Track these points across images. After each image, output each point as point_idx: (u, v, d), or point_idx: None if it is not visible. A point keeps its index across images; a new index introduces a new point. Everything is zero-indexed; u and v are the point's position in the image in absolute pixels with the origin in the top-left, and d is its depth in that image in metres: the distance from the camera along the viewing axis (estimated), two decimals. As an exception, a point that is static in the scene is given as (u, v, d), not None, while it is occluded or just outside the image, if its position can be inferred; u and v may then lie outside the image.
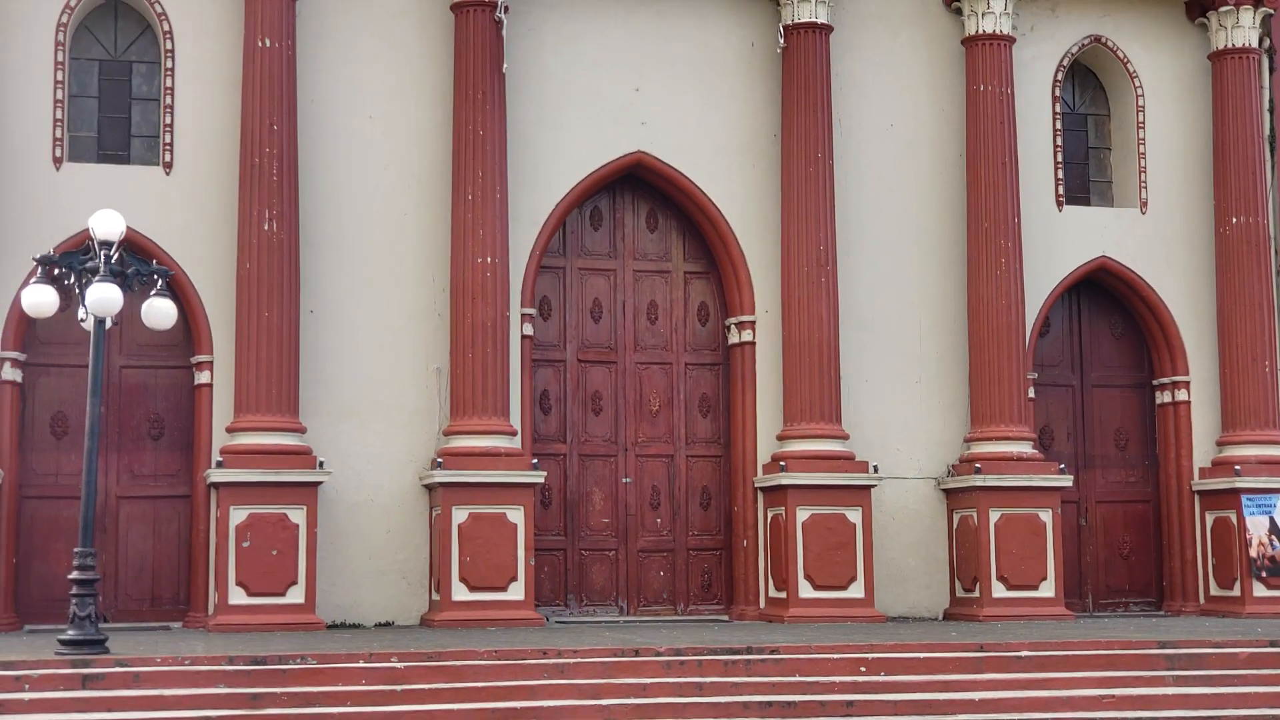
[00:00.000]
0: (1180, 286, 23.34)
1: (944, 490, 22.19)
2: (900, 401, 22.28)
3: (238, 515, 19.31)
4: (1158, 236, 23.35)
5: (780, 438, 21.55)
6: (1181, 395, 23.27)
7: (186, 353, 20.49)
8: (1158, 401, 23.58)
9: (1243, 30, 23.20)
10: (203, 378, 20.29)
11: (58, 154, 20.15)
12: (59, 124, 20.18)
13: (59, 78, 20.22)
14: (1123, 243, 23.21)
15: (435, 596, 20.17)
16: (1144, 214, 23.37)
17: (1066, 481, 21.90)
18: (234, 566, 19.19)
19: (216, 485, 19.51)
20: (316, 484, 19.66)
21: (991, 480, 21.47)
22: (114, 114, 20.80)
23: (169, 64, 20.52)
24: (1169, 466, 23.35)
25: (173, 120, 20.44)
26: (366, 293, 20.80)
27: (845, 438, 21.49)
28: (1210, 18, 23.36)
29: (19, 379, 19.94)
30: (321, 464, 19.83)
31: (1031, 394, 22.45)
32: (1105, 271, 23.21)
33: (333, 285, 20.69)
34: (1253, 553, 22.20)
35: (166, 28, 20.53)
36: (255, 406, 19.70)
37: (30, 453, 20.07)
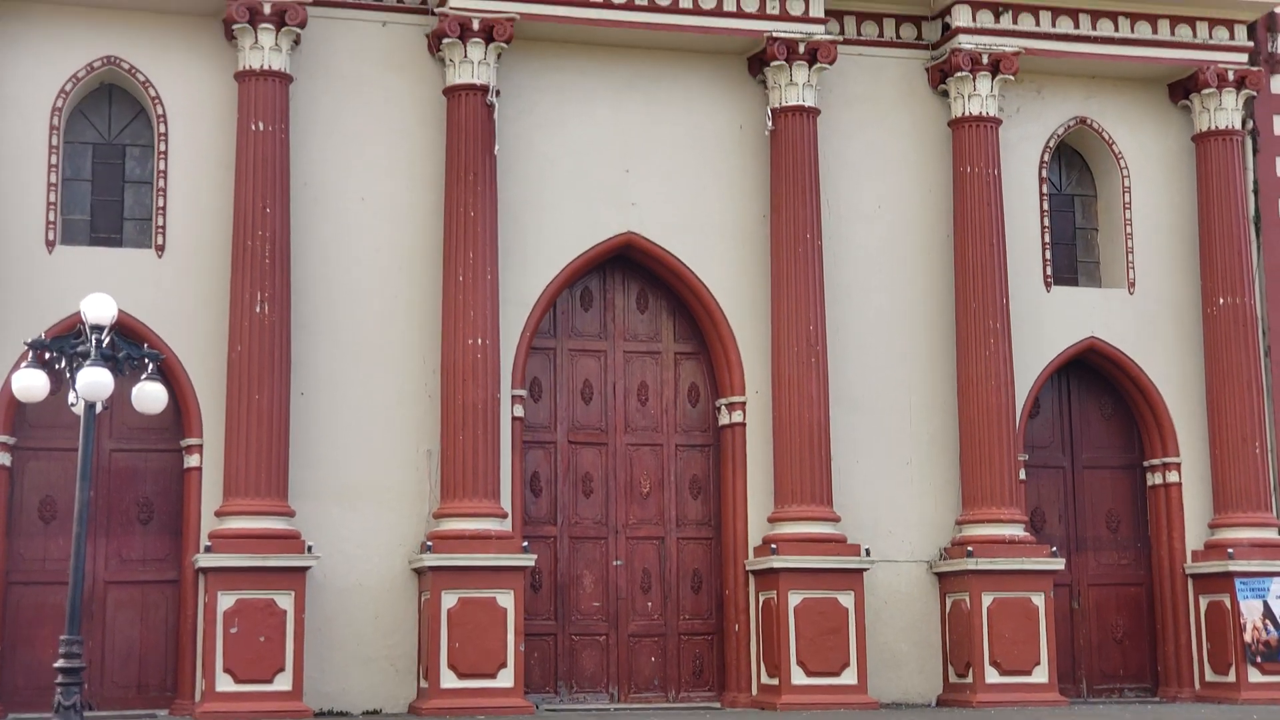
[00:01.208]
0: (1169, 367, 23.38)
1: (936, 573, 22.10)
2: (891, 483, 22.23)
3: (225, 601, 19.18)
4: (1146, 317, 23.42)
5: (771, 520, 21.48)
6: (1173, 477, 23.23)
7: (176, 435, 20.42)
8: (1149, 483, 23.55)
9: (1225, 112, 23.41)
10: (192, 461, 20.21)
11: (50, 237, 20.18)
12: (52, 207, 20.23)
13: (53, 161, 20.29)
14: (1111, 323, 23.27)
15: (424, 684, 19.99)
16: (1132, 294, 23.46)
17: (1059, 565, 21.85)
18: (221, 653, 19.04)
19: (204, 570, 19.39)
20: (305, 569, 19.55)
21: (984, 564, 21.39)
22: (107, 197, 20.86)
23: (162, 147, 20.60)
24: (1161, 549, 23.28)
25: (165, 203, 20.49)
26: (357, 374, 20.78)
27: (837, 520, 21.42)
28: (1193, 100, 23.57)
29: (8, 463, 19.85)
30: (310, 548, 19.72)
31: (1022, 475, 22.39)
32: (1094, 352, 23.26)
33: (324, 367, 20.67)
34: (1247, 637, 22.09)
35: (160, 111, 20.63)
36: (244, 490, 19.63)
37: (18, 537, 19.94)
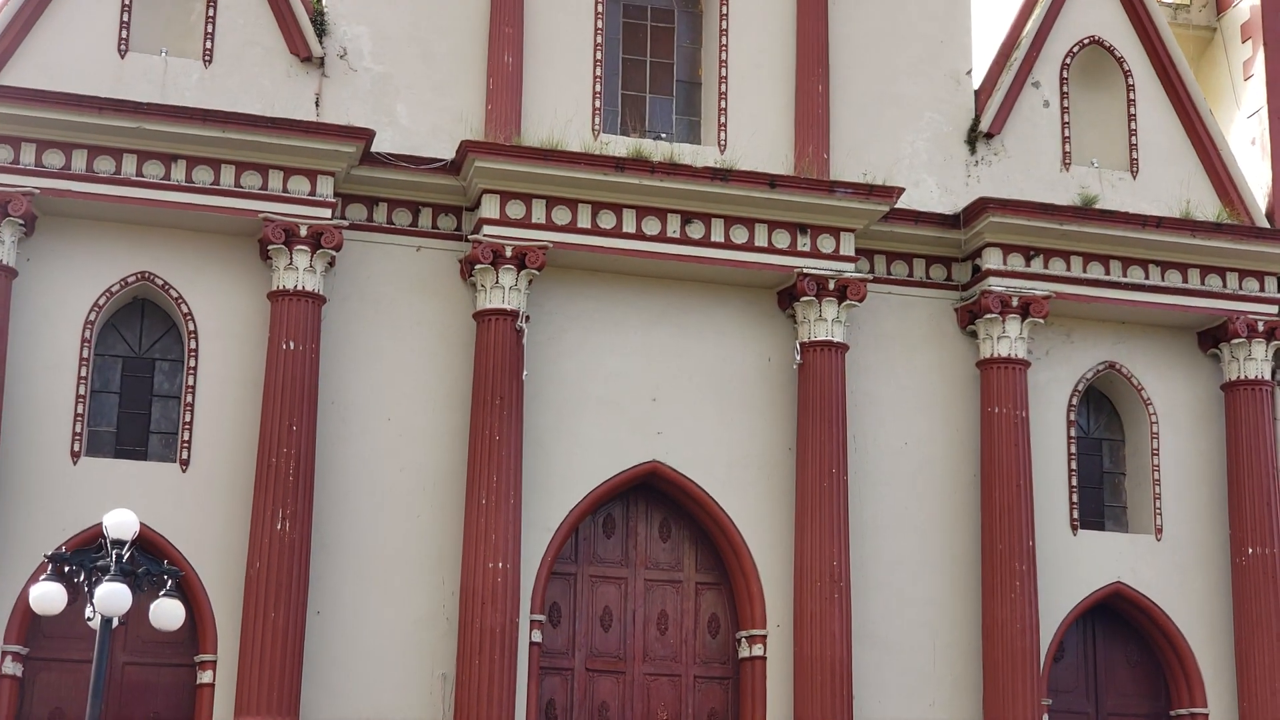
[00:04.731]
0: (1197, 615, 23.01)
1: (956, 822, 21.57)
2: (913, 726, 21.82)
3: (228, 827, 18.79)
4: (1173, 564, 23.14)
5: (789, 760, 21.04)
6: (1201, 728, 22.77)
7: (191, 650, 20.21)
8: (1175, 733, 23.09)
9: (1255, 362, 23.44)
10: (205, 677, 19.99)
11: (76, 448, 20.25)
12: (79, 419, 20.33)
13: (83, 373, 20.45)
14: (1138, 569, 22.98)
15: None
16: (1159, 540, 23.20)
17: (1082, 818, 21.32)
18: None
19: (209, 793, 19.04)
20: (309, 797, 19.18)
21: (1005, 814, 20.87)
22: (134, 410, 20.97)
23: (192, 363, 20.77)
24: (1188, 804, 22.72)
25: (192, 418, 20.58)
26: (375, 595, 20.62)
27: (857, 763, 20.98)
28: (1222, 349, 23.61)
29: (18, 673, 19.64)
30: (318, 774, 19.37)
31: (1046, 721, 22.00)
32: (1120, 598, 22.93)
33: (341, 586, 20.53)
34: None
35: (192, 327, 20.84)
36: (255, 709, 19.39)
37: (23, 751, 19.66)
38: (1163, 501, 23.34)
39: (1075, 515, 23.04)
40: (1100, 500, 23.70)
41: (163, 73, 21.26)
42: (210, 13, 21.50)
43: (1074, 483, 23.15)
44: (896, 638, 22.03)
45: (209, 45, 21.45)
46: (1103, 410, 24.11)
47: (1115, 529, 23.51)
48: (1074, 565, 22.73)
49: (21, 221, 20.15)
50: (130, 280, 20.84)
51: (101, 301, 20.69)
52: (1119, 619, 23.27)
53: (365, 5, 22.04)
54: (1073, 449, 23.26)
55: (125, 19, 21.25)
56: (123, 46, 21.24)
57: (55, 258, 20.59)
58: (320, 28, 21.76)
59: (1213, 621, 23.02)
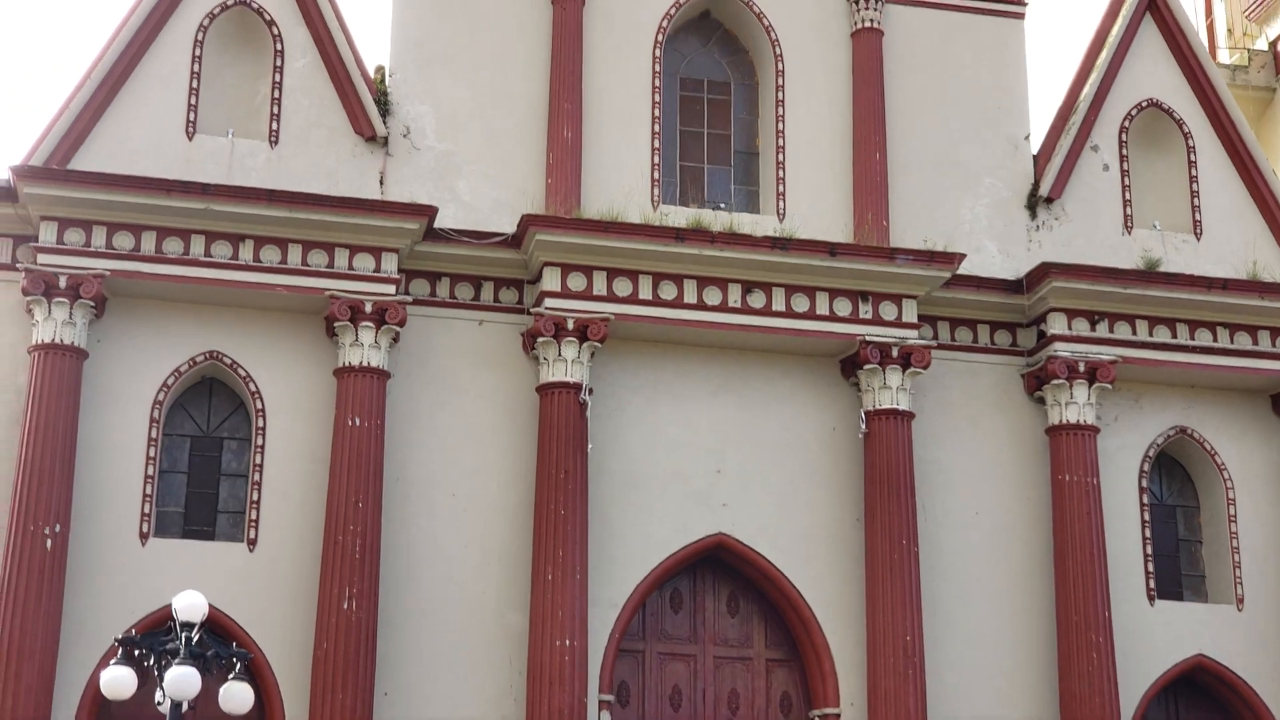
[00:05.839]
0: (1284, 688, 22.48)
1: None
2: (992, 804, 21.36)
3: None
4: (1256, 635, 22.58)
5: (866, 841, 20.60)
6: (1290, 801, 22.16)
7: (258, 734, 20.03)
8: (1263, 806, 22.44)
9: (1332, 427, 23.12)
10: (273, 761, 19.80)
11: (145, 529, 20.21)
12: (148, 499, 20.31)
13: (151, 454, 20.45)
14: (1220, 641, 22.45)
15: None
16: (1240, 611, 22.68)
17: None
18: None
19: None
20: None
21: None
22: (202, 489, 20.94)
23: (259, 441, 20.73)
24: None
25: (260, 497, 20.53)
26: (442, 675, 20.41)
27: (935, 844, 20.51)
28: (1296, 412, 23.31)
29: (86, 759, 19.50)
30: None
31: (1129, 799, 21.47)
32: (1203, 670, 22.40)
33: (409, 666, 20.32)
34: None
35: (259, 405, 20.83)
36: (321, 795, 19.13)
37: (91, 836, 19.44)
38: (1243, 570, 22.84)
39: (1152, 585, 22.57)
40: (1177, 569, 23.20)
41: (230, 154, 21.45)
42: (276, 94, 21.75)
43: (1149, 551, 22.70)
44: (972, 714, 21.56)
45: (275, 126, 21.65)
46: (1175, 476, 23.70)
47: (1194, 599, 22.98)
48: (1153, 637, 22.24)
49: (92, 304, 20.25)
50: (199, 360, 20.90)
51: (170, 381, 20.73)
52: (1202, 692, 22.68)
53: (428, 85, 22.26)
54: (1146, 516, 22.85)
55: (193, 101, 21.53)
56: (190, 129, 21.48)
57: (125, 338, 20.68)
58: (384, 108, 21.98)
59: (1301, 694, 22.48)
